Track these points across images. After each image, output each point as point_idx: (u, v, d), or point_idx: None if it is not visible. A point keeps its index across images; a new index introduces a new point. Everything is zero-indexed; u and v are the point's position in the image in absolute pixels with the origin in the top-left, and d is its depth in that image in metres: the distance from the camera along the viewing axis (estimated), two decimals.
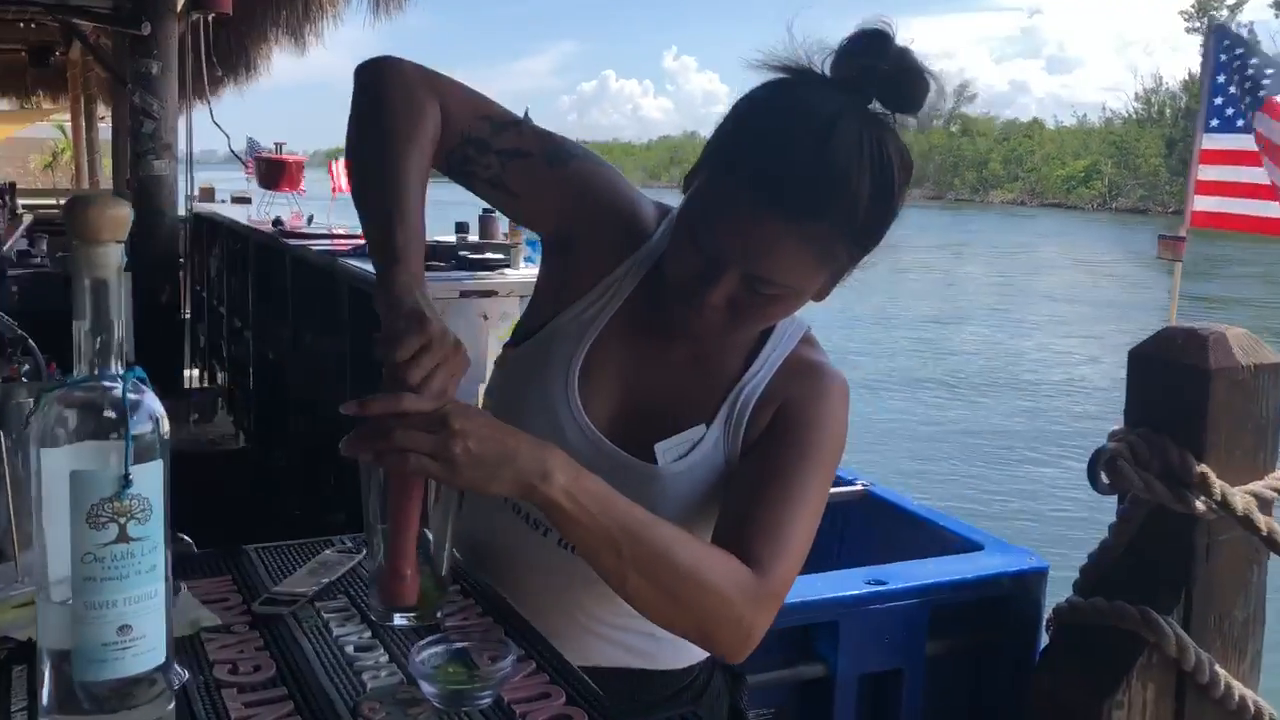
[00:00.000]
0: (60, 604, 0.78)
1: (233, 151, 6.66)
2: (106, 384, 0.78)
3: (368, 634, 1.06)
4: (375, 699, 0.93)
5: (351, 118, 1.13)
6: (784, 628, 1.88)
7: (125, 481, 0.77)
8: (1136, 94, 58.45)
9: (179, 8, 6.13)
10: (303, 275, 4.41)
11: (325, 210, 5.72)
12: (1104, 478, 1.79)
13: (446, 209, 3.51)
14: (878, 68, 1.04)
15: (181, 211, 6.78)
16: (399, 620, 1.07)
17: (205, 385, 7.31)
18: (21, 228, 6.65)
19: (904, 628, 1.91)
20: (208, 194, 8.85)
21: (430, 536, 1.05)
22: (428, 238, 1.12)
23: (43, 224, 8.10)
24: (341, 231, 4.66)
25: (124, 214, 0.78)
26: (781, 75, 1.07)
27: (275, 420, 5.17)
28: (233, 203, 7.97)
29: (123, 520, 0.77)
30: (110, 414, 0.77)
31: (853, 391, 1.21)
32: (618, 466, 1.15)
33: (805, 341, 1.22)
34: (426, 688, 0.91)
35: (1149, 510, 1.80)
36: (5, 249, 5.28)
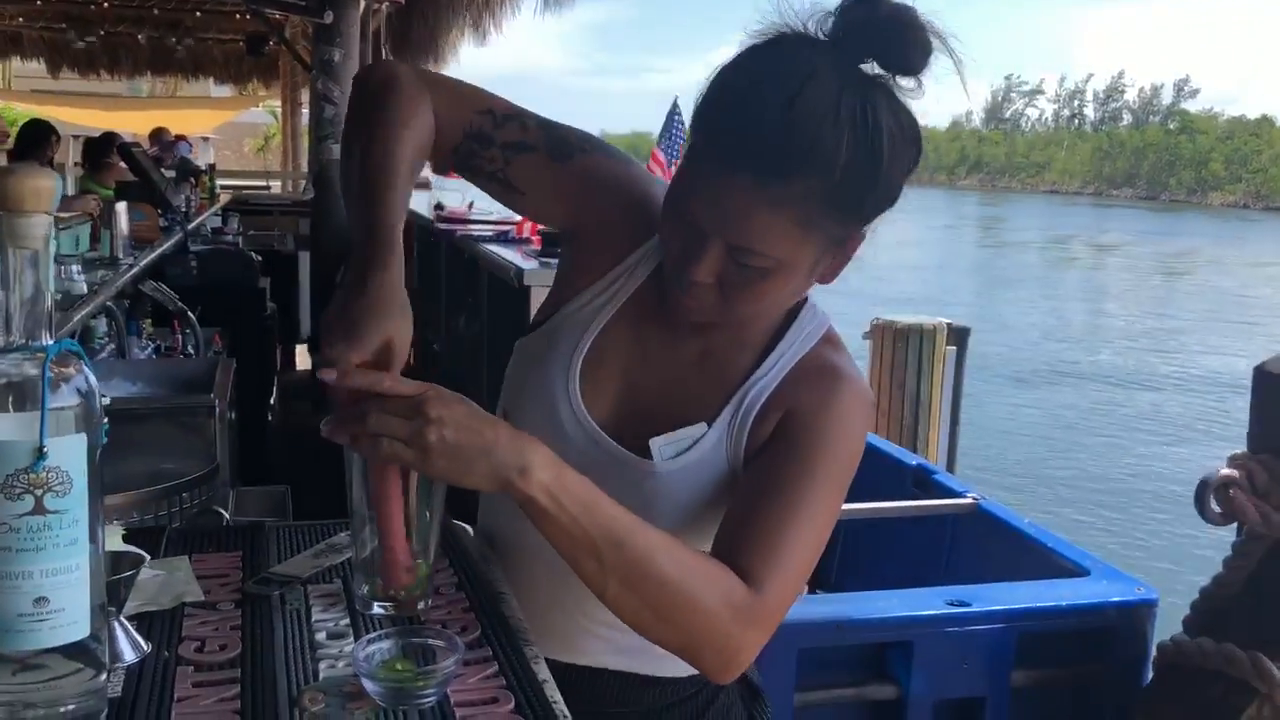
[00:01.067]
0: None
1: None
2: (34, 355, 0.78)
3: (345, 621, 1.05)
4: (320, 689, 0.91)
5: (346, 118, 1.11)
6: (853, 644, 1.80)
7: (40, 453, 0.77)
8: None
9: None
10: (453, 260, 4.53)
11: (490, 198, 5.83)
12: (1214, 506, 1.63)
13: None
14: (868, 23, 0.97)
15: None
16: (378, 609, 1.05)
17: None
18: (214, 207, 7.07)
19: (987, 653, 1.79)
20: None
21: (417, 526, 1.04)
22: None
23: (238, 204, 8.61)
24: (494, 218, 4.74)
25: (47, 185, 0.78)
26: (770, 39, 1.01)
27: None
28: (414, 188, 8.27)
29: (39, 492, 0.77)
30: (32, 386, 0.77)
31: None
32: (612, 461, 1.10)
33: (826, 341, 1.13)
34: (368, 684, 0.89)
35: (1270, 545, 1.63)
36: (192, 226, 5.60)
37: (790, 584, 1.01)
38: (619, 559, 0.93)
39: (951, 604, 1.78)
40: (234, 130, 21.00)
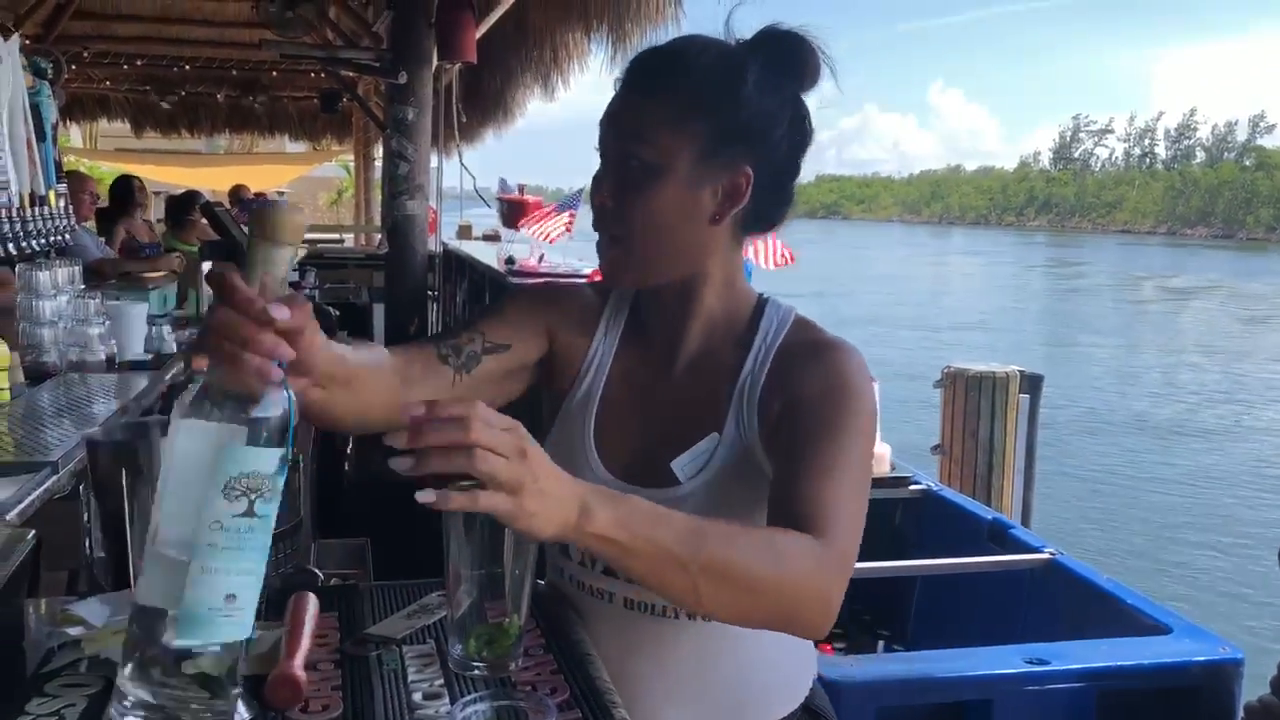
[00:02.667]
0: (175, 561, 0.82)
1: (476, 192, 7.04)
2: None
3: (440, 681, 1.09)
4: None
5: None
6: (934, 704, 1.79)
7: (284, 461, 0.83)
8: None
9: (434, 59, 6.53)
10: None
11: (560, 250, 5.91)
12: None
13: None
14: (768, 33, 1.17)
15: (433, 247, 7.20)
16: (473, 669, 1.09)
17: None
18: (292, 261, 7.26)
19: (1067, 712, 1.77)
20: (465, 231, 9.40)
21: (509, 585, 1.09)
22: None
23: (314, 257, 8.82)
24: (562, 270, 4.82)
25: (302, 221, 0.86)
26: None
27: None
28: (484, 240, 8.44)
29: (252, 496, 0.82)
30: (259, 398, 0.82)
31: None
32: None
33: (797, 325, 1.23)
34: None
35: None
36: None
37: (852, 526, 1.03)
38: (701, 560, 0.91)
39: (1030, 662, 1.78)
40: (308, 185, 21.53)
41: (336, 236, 14.10)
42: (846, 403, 1.11)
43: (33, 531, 1.19)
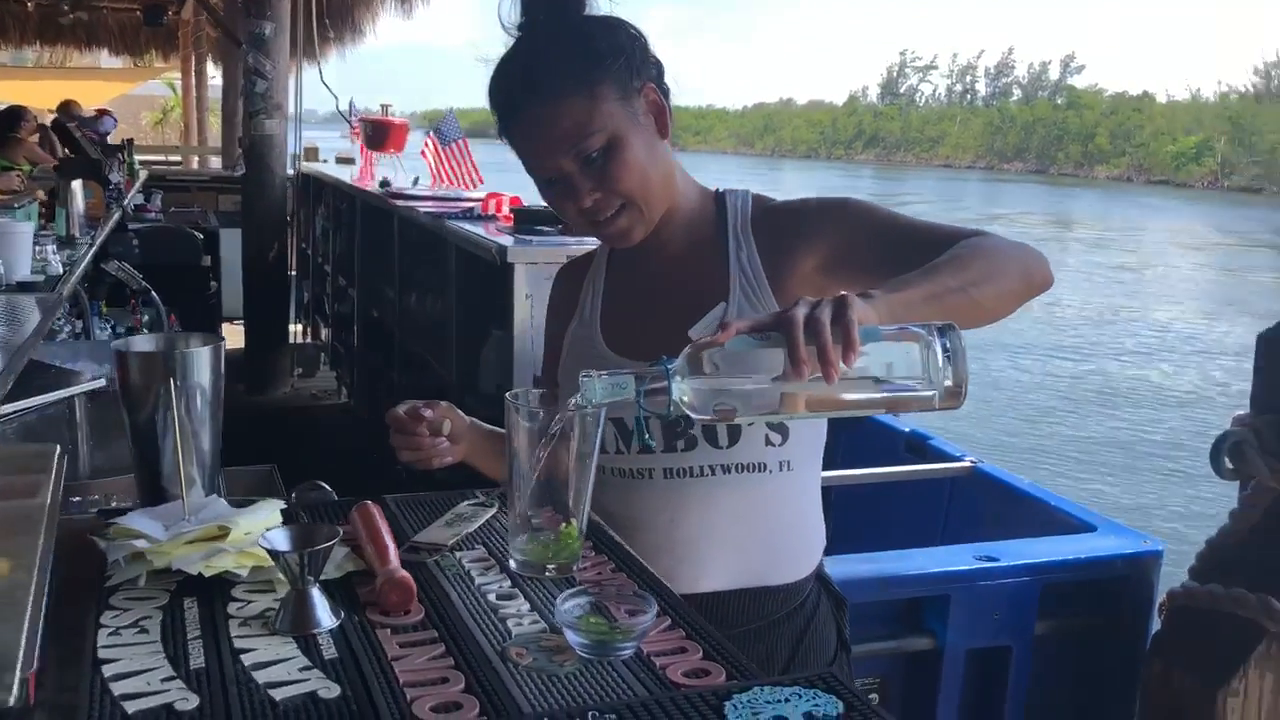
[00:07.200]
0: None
1: (340, 113, 6.77)
2: None
3: (507, 584, 1.10)
4: (522, 644, 0.96)
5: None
6: (892, 599, 1.90)
7: None
8: (1256, 68, 56.11)
9: None
10: (410, 235, 4.50)
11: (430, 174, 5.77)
12: (1228, 463, 1.76)
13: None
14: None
15: (289, 170, 6.93)
16: (547, 571, 1.11)
17: (308, 340, 7.50)
18: (138, 184, 6.89)
19: (1014, 605, 1.91)
20: (311, 154, 9.07)
21: (571, 493, 1.11)
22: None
23: (156, 180, 8.38)
24: (443, 193, 4.74)
25: None
26: None
27: (379, 375, 5.29)
28: (337, 163, 8.17)
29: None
30: None
31: None
32: None
33: (756, 202, 1.40)
34: (572, 636, 0.95)
35: (1275, 497, 1.77)
36: (125, 203, 5.47)
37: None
38: (959, 279, 1.11)
39: (980, 559, 1.90)
40: (130, 103, 20.24)
41: (172, 158, 13.38)
42: (847, 204, 1.33)
43: (56, 446, 1.13)
